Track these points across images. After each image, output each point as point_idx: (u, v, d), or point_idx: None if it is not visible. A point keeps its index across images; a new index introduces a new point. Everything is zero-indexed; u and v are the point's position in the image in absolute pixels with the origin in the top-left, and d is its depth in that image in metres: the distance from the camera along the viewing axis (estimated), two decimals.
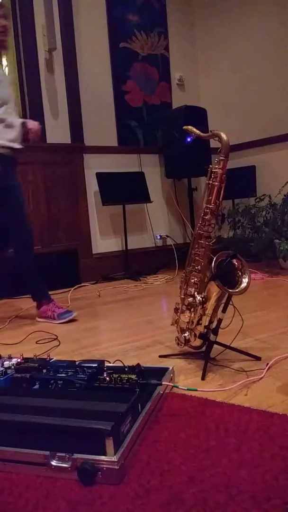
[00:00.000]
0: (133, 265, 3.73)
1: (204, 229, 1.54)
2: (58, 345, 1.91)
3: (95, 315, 2.53)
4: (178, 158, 3.79)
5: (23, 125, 2.33)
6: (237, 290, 1.45)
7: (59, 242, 3.54)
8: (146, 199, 3.81)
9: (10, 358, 1.41)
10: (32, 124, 2.35)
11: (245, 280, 1.46)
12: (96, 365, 1.29)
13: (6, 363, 1.36)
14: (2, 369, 1.32)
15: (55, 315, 2.34)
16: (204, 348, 1.53)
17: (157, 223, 4.09)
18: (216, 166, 1.55)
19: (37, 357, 1.41)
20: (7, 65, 3.77)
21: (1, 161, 2.25)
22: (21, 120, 2.36)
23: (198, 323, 1.51)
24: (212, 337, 1.48)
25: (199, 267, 1.55)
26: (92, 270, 3.62)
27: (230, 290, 1.43)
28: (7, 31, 2.25)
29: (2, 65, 2.29)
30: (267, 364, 1.44)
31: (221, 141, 1.55)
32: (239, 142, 3.96)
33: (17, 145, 2.29)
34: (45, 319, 2.38)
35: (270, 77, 3.87)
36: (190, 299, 1.53)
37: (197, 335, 1.52)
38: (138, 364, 1.27)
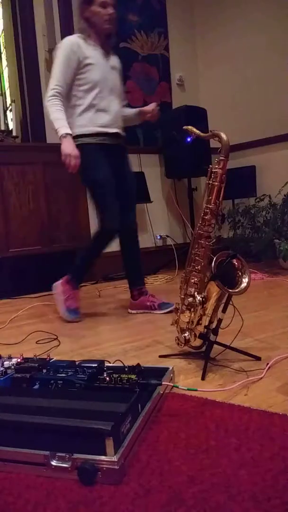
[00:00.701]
0: None
1: (204, 229, 1.54)
2: (58, 345, 1.91)
3: (95, 315, 2.53)
4: (178, 158, 3.79)
5: (140, 112, 2.32)
6: (237, 290, 1.45)
7: (59, 242, 3.54)
8: (146, 199, 3.81)
9: (10, 358, 1.42)
10: (148, 108, 2.33)
11: (245, 280, 1.46)
12: (96, 365, 1.29)
13: (6, 363, 1.36)
14: (2, 369, 1.32)
15: (156, 305, 2.36)
16: (204, 348, 1.53)
17: (157, 223, 4.09)
18: (216, 166, 1.55)
19: (37, 357, 1.41)
20: (7, 65, 3.77)
21: (94, 151, 2.22)
22: (135, 110, 2.35)
23: (198, 323, 1.51)
24: (212, 337, 1.48)
25: (199, 267, 1.55)
26: (92, 270, 3.61)
27: (230, 290, 1.43)
28: (113, 20, 2.20)
29: (99, 49, 2.20)
30: (267, 364, 1.44)
31: (221, 141, 1.55)
32: (239, 142, 3.96)
33: (111, 129, 2.22)
34: (143, 310, 2.38)
35: (270, 77, 3.87)
36: (190, 299, 1.53)
37: (197, 335, 1.52)
38: (138, 364, 1.27)
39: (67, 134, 2.15)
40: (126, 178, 2.35)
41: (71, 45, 2.14)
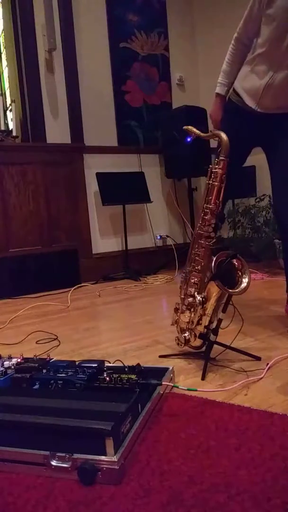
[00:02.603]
0: (133, 265, 3.73)
1: (204, 229, 1.54)
2: (58, 345, 1.91)
3: (95, 315, 2.53)
4: (178, 158, 3.79)
5: None
6: (237, 290, 1.45)
7: (59, 242, 3.54)
8: (146, 199, 3.81)
9: (10, 358, 1.42)
10: None
11: (245, 280, 1.46)
12: (96, 365, 1.29)
13: (6, 363, 1.36)
14: (2, 369, 1.32)
15: None
16: (204, 348, 1.53)
17: (157, 223, 4.09)
18: (216, 166, 1.55)
19: (37, 357, 1.41)
20: (7, 65, 3.77)
21: (230, 109, 1.95)
22: None
23: (198, 323, 1.51)
24: (212, 337, 1.48)
25: (199, 267, 1.55)
26: (92, 270, 3.62)
27: (230, 290, 1.43)
28: None
29: None
30: (267, 364, 1.44)
31: (221, 141, 1.55)
32: None
33: (250, 102, 1.87)
34: None
35: None
36: (190, 299, 1.53)
37: (197, 335, 1.52)
38: (138, 364, 1.27)
39: None
40: None
41: None
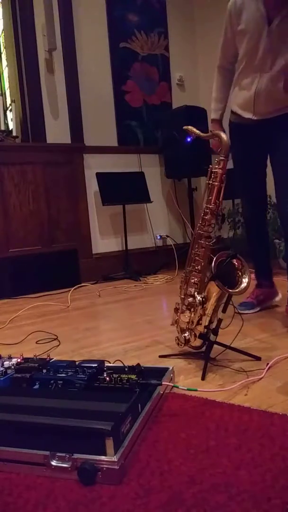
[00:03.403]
0: (133, 265, 3.73)
1: (204, 229, 1.54)
2: (58, 345, 1.91)
3: (95, 315, 2.53)
4: (178, 158, 3.79)
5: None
6: (237, 290, 1.45)
7: (59, 242, 3.54)
8: (146, 199, 3.81)
9: (10, 358, 1.42)
10: None
11: (245, 280, 1.47)
12: (96, 365, 1.29)
13: (6, 363, 1.36)
14: (2, 369, 1.32)
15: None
16: (204, 348, 1.53)
17: (157, 223, 4.09)
18: (216, 166, 1.55)
19: (37, 357, 1.41)
20: (7, 65, 3.77)
21: (232, 130, 2.03)
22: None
23: (198, 323, 1.51)
24: (212, 337, 1.48)
25: (199, 267, 1.55)
26: (92, 270, 3.62)
27: (230, 290, 1.43)
28: None
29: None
30: (267, 364, 1.44)
31: (221, 141, 1.55)
32: None
33: (246, 114, 1.93)
34: None
35: None
36: (190, 299, 1.53)
37: (197, 335, 1.52)
38: (138, 364, 1.27)
39: None
40: None
41: None
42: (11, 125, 3.61)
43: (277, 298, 2.25)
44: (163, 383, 1.20)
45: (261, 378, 1.36)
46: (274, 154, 1.98)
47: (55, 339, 1.99)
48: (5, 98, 3.87)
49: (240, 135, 2.02)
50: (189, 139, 3.49)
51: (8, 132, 3.58)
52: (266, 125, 1.93)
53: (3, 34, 3.79)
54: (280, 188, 1.96)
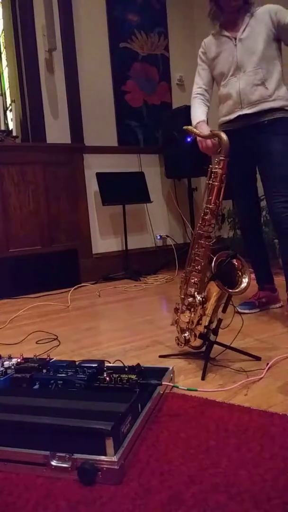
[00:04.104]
0: (133, 265, 3.73)
1: (204, 229, 1.54)
2: (58, 345, 1.91)
3: (95, 315, 2.53)
4: (178, 158, 3.79)
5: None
6: (237, 290, 1.45)
7: (59, 242, 3.54)
8: (146, 199, 3.81)
9: (10, 358, 1.42)
10: None
11: (245, 280, 1.47)
12: (96, 365, 1.29)
13: (6, 363, 1.36)
14: (2, 369, 1.32)
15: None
16: (204, 348, 1.53)
17: (157, 223, 4.09)
18: (216, 166, 1.55)
19: (37, 357, 1.41)
20: (7, 65, 3.77)
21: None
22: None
23: (198, 323, 1.51)
24: (212, 337, 1.48)
25: (199, 267, 1.55)
26: (92, 270, 3.62)
27: (230, 290, 1.43)
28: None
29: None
30: (267, 364, 1.44)
31: (221, 141, 1.55)
32: None
33: (233, 115, 2.03)
34: None
35: None
36: (190, 299, 1.53)
37: (197, 335, 1.52)
38: (138, 364, 1.27)
39: None
40: None
41: None
42: (11, 125, 3.61)
43: (278, 305, 2.27)
44: (163, 383, 1.20)
45: (261, 378, 1.36)
46: (262, 157, 2.02)
47: (55, 339, 1.99)
48: (5, 98, 3.88)
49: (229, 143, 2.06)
50: (189, 139, 3.49)
51: (8, 132, 3.58)
52: (253, 130, 2.00)
53: (3, 34, 3.79)
54: (269, 187, 2.00)
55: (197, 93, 2.18)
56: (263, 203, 3.68)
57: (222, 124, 2.12)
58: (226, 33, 2.04)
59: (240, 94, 1.99)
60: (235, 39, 2.00)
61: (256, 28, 1.95)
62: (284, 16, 1.90)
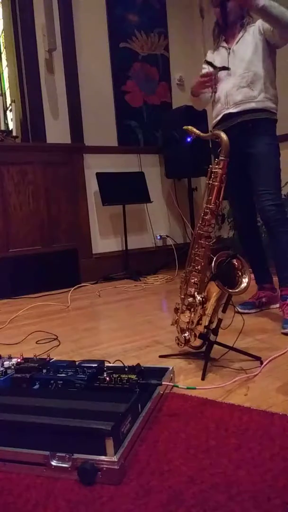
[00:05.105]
0: (133, 265, 3.73)
1: (204, 229, 1.54)
2: (58, 345, 1.91)
3: (95, 315, 2.53)
4: (178, 158, 3.79)
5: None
6: (237, 290, 1.45)
7: (59, 242, 3.54)
8: (146, 199, 3.81)
9: (10, 358, 1.42)
10: None
11: (245, 280, 1.46)
12: (96, 365, 1.29)
13: (6, 363, 1.36)
14: (2, 369, 1.32)
15: None
16: (204, 348, 1.53)
17: (157, 223, 4.09)
18: (216, 166, 1.55)
19: (37, 357, 1.41)
20: (7, 65, 3.77)
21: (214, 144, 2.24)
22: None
23: (198, 323, 1.51)
24: (212, 337, 1.48)
25: (199, 267, 1.55)
26: (92, 270, 3.62)
27: (230, 290, 1.43)
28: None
29: None
30: (261, 361, 1.45)
31: (221, 141, 1.55)
32: None
33: (219, 116, 2.14)
34: None
35: None
36: (190, 299, 1.53)
37: (197, 335, 1.52)
38: (138, 364, 1.27)
39: None
40: None
41: None
42: (11, 125, 3.61)
43: (278, 306, 2.25)
44: (163, 383, 1.20)
45: (256, 375, 1.36)
46: (246, 157, 2.07)
47: (55, 339, 1.99)
48: (5, 98, 3.88)
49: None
50: (189, 139, 3.49)
51: (8, 132, 3.58)
52: (237, 129, 2.06)
53: (3, 34, 3.79)
54: (256, 186, 2.05)
55: None
56: None
57: (213, 127, 2.19)
58: (224, 44, 2.17)
59: (227, 96, 2.09)
60: (230, 49, 2.12)
61: (248, 39, 2.07)
62: None
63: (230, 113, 2.08)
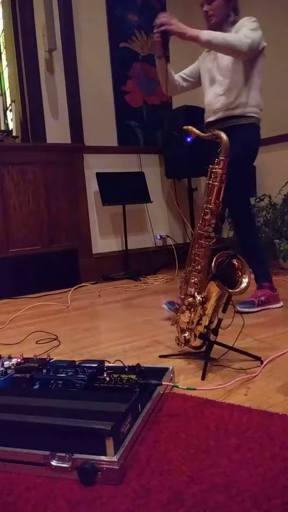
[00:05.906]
0: (133, 265, 3.73)
1: (204, 229, 1.54)
2: (58, 345, 1.91)
3: (95, 315, 2.53)
4: (178, 158, 3.78)
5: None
6: (237, 290, 1.45)
7: (59, 242, 3.54)
8: (146, 199, 3.81)
9: (10, 358, 1.42)
10: None
11: (245, 280, 1.46)
12: (96, 365, 1.29)
13: (6, 363, 1.36)
14: (2, 369, 1.32)
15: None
16: (204, 348, 1.53)
17: (157, 223, 4.09)
18: (216, 166, 1.55)
19: (37, 357, 1.41)
20: (7, 65, 3.77)
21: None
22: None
23: (198, 323, 1.51)
24: (212, 337, 1.48)
25: (199, 267, 1.55)
26: (92, 270, 3.62)
27: (230, 290, 1.43)
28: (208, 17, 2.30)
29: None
30: (261, 362, 1.45)
31: (221, 141, 1.55)
32: None
33: (208, 119, 2.28)
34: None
35: (269, 77, 3.85)
36: (190, 299, 1.53)
37: (197, 335, 1.52)
38: (138, 364, 1.27)
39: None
40: None
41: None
42: (11, 125, 3.61)
43: (278, 305, 2.27)
44: (163, 383, 1.20)
45: (256, 375, 1.36)
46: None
47: (55, 339, 1.99)
48: (5, 98, 3.87)
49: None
50: (189, 139, 3.49)
51: (8, 132, 3.58)
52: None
53: (3, 34, 3.79)
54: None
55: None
56: (263, 203, 3.68)
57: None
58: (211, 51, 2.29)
59: (209, 104, 2.26)
60: (214, 58, 2.25)
61: None
62: (240, 26, 2.15)
63: (209, 122, 2.24)
